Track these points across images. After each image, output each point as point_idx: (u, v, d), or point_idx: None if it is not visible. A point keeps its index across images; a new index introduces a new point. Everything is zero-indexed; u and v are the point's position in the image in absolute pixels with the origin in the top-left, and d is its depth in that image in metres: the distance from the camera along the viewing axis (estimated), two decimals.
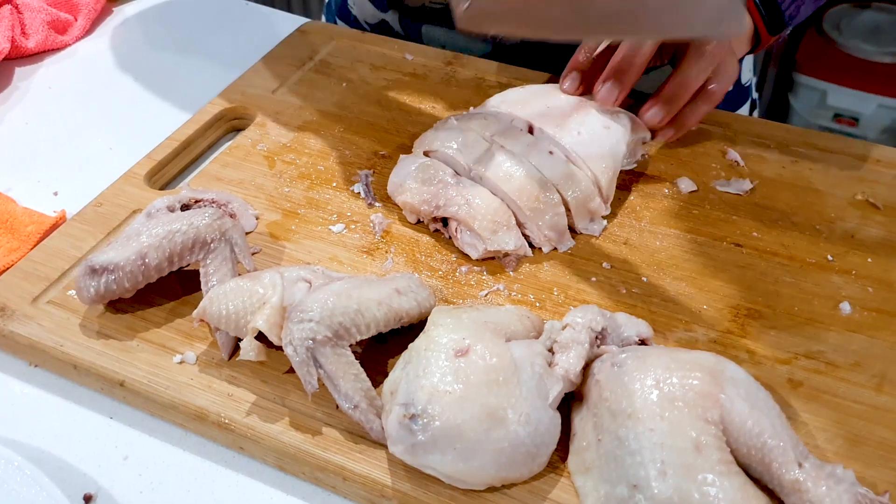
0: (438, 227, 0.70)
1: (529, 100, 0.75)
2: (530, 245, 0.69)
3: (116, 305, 0.64)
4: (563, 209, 0.68)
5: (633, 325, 0.59)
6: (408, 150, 0.77)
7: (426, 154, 0.72)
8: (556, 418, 0.54)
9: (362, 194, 0.74)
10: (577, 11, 0.56)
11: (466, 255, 0.68)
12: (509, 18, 0.59)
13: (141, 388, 0.59)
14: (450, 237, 0.69)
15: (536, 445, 0.52)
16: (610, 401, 0.53)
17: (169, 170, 0.78)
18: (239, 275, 0.64)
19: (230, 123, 0.84)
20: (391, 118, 0.83)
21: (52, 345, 0.62)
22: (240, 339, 0.59)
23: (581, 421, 0.55)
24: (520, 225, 0.68)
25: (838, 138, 0.78)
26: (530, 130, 0.73)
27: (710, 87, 0.74)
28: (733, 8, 0.57)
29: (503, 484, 0.52)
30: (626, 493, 0.50)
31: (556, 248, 0.69)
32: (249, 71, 0.89)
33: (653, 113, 0.73)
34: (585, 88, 0.75)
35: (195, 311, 0.59)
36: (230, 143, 0.81)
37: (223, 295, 0.59)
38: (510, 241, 0.67)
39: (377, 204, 0.73)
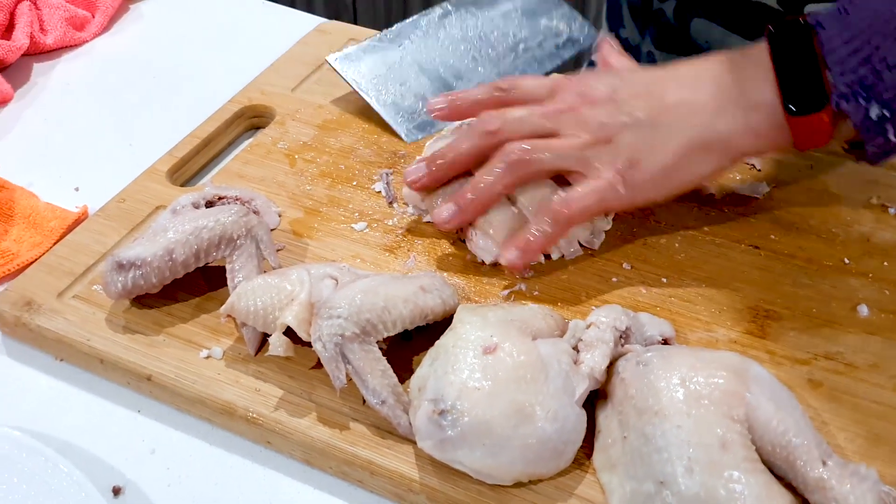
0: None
1: None
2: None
3: (142, 300, 0.65)
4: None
5: (655, 325, 0.60)
6: None
7: None
8: (582, 415, 0.54)
9: (383, 193, 0.75)
10: None
11: None
12: None
13: (168, 382, 0.60)
14: (462, 240, 0.70)
15: (563, 442, 0.53)
16: (636, 398, 0.53)
17: (190, 167, 0.79)
18: (264, 271, 0.64)
19: (250, 121, 0.85)
20: None
21: (78, 339, 0.62)
22: (266, 335, 0.60)
23: (606, 419, 0.55)
24: None
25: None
26: None
27: None
28: None
29: (530, 479, 0.53)
30: (652, 489, 0.50)
31: (563, 256, 0.69)
32: (268, 69, 0.90)
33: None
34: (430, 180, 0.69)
35: (223, 307, 0.60)
36: (250, 140, 0.82)
37: (251, 291, 0.59)
38: None
39: (397, 203, 0.73)
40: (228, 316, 0.60)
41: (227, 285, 0.64)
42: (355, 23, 1.17)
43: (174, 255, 0.62)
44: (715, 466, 0.49)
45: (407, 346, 0.62)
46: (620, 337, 0.58)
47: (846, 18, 0.60)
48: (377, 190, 0.75)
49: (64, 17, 0.98)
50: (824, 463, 0.50)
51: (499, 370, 0.53)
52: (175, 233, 0.63)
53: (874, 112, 0.59)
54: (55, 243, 0.72)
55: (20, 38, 0.94)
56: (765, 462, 0.51)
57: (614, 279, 0.67)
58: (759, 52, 0.62)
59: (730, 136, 0.63)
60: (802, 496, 0.51)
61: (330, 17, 1.01)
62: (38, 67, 0.96)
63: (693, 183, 0.67)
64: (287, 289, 0.59)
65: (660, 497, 0.50)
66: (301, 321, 0.57)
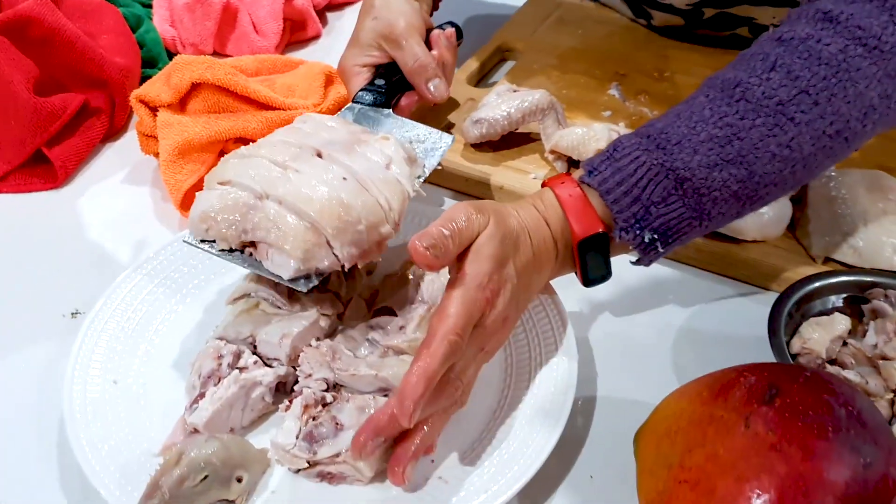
0: (252, 251, 0.72)
1: (312, 133, 0.78)
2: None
3: (481, 148, 0.99)
4: (363, 227, 0.70)
5: None
6: (640, 71, 1.12)
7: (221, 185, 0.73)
8: (790, 206, 0.89)
9: (617, 95, 1.09)
10: None
11: None
12: None
13: (513, 189, 0.94)
14: (258, 260, 0.72)
15: (779, 217, 0.87)
16: (824, 196, 0.88)
17: (473, 79, 1.14)
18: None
19: (502, 54, 1.20)
20: (619, 54, 1.18)
21: (450, 166, 0.97)
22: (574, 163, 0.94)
23: (805, 212, 0.89)
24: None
25: None
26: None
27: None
28: None
29: (758, 238, 0.87)
30: (840, 239, 0.85)
31: (356, 265, 0.72)
32: (507, 24, 1.24)
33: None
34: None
35: (549, 145, 0.95)
36: (510, 65, 1.17)
37: (567, 134, 0.94)
38: (324, 260, 0.70)
39: (628, 101, 1.07)
40: (552, 151, 0.95)
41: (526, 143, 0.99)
42: None
43: (511, 116, 0.97)
44: (879, 225, 0.84)
45: None
46: None
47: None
48: (612, 93, 1.10)
49: None
50: None
51: None
52: (506, 105, 0.98)
53: (647, 237, 0.71)
54: None
55: None
56: None
57: None
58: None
59: None
60: None
61: None
62: (330, 16, 1.32)
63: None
64: (595, 135, 0.93)
65: (845, 243, 0.84)
66: None
